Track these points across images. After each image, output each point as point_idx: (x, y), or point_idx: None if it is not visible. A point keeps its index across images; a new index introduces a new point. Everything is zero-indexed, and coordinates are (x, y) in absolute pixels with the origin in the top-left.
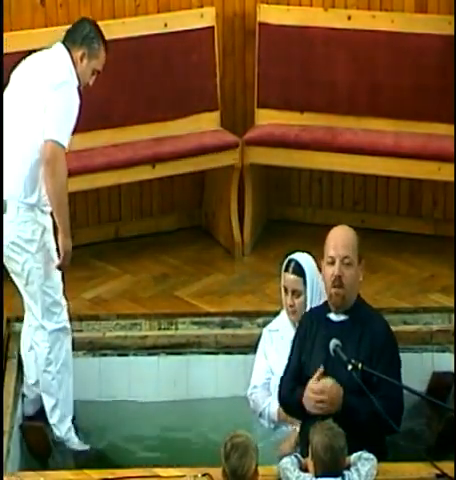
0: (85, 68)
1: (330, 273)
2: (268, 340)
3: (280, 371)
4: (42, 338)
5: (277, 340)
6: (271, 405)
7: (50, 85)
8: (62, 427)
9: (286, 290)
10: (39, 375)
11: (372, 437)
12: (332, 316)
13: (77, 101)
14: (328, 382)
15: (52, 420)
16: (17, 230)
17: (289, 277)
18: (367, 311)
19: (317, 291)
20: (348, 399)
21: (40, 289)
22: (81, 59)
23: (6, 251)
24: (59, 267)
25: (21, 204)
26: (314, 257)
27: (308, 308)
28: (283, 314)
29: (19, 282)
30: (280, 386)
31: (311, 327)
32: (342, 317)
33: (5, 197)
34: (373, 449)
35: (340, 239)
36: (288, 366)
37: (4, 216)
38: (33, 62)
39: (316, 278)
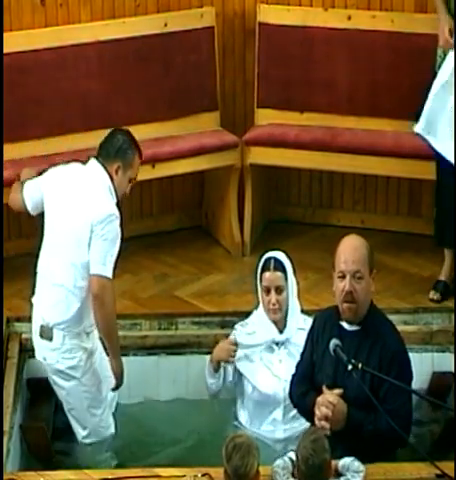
0: (121, 180)
1: (341, 288)
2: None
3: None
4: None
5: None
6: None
7: (96, 220)
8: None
9: (268, 289)
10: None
11: (378, 452)
12: (344, 324)
13: (119, 231)
14: (334, 399)
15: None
16: (62, 357)
17: (273, 274)
18: (380, 321)
19: (293, 285)
20: (352, 413)
21: (88, 412)
22: (116, 172)
23: (50, 376)
24: (114, 388)
25: (68, 333)
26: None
27: (290, 302)
28: (257, 314)
29: (65, 406)
30: (291, 386)
31: (324, 329)
32: (354, 327)
33: (51, 324)
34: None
35: (351, 253)
36: (299, 365)
37: (49, 343)
38: (74, 187)
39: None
